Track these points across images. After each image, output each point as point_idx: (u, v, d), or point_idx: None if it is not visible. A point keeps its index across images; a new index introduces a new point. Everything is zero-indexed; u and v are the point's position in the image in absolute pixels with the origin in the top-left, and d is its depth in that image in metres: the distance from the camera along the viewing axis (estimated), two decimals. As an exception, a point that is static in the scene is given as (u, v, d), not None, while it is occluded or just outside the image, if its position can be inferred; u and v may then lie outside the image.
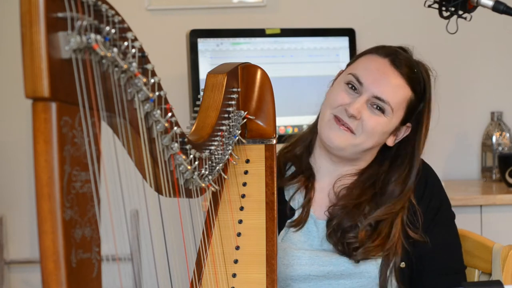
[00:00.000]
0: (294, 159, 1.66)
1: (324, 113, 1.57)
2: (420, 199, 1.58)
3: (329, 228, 1.56)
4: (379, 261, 1.54)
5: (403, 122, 1.58)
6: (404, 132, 1.60)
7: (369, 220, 1.54)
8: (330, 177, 1.63)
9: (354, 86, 1.55)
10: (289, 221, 1.60)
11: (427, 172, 1.62)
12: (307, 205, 1.60)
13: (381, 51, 1.58)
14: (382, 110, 1.53)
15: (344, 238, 1.54)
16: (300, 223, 1.59)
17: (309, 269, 1.54)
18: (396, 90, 1.54)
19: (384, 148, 1.62)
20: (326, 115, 1.56)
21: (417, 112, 1.59)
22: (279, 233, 1.58)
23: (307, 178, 1.62)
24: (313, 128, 1.65)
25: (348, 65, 1.63)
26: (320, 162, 1.63)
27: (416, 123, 1.60)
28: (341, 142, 1.54)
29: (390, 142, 1.60)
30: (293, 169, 1.66)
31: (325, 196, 1.62)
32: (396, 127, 1.57)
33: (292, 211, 1.61)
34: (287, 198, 1.63)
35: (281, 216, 1.58)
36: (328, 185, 1.62)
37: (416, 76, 1.56)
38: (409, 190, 1.58)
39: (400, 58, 1.56)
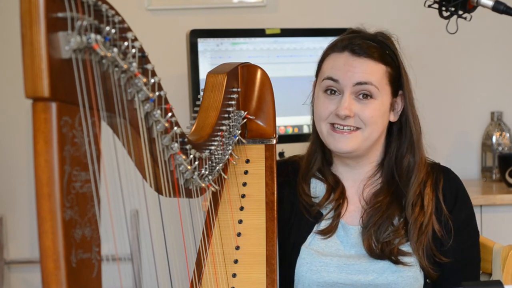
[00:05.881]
0: (318, 176, 1.64)
1: (320, 127, 1.56)
2: (451, 211, 1.57)
3: (365, 234, 1.54)
4: (408, 272, 1.51)
5: (394, 95, 1.57)
6: (401, 102, 1.59)
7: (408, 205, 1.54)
8: (355, 183, 1.62)
9: (332, 89, 1.54)
10: (317, 229, 1.58)
11: (456, 183, 1.61)
12: (337, 217, 1.58)
13: (336, 47, 1.56)
14: (370, 95, 1.52)
15: (383, 239, 1.52)
16: (329, 233, 1.57)
17: (337, 276, 1.52)
18: (371, 71, 1.52)
19: (388, 131, 1.61)
20: (323, 128, 1.55)
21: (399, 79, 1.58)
22: (306, 237, 1.57)
23: (340, 193, 1.60)
24: (316, 141, 1.63)
25: (316, 75, 1.62)
26: (339, 171, 1.63)
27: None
28: (352, 145, 1.53)
29: (393, 118, 1.59)
30: (318, 184, 1.64)
31: (356, 203, 1.60)
32: (390, 103, 1.56)
33: (319, 214, 1.59)
34: (313, 198, 1.61)
35: (309, 217, 1.58)
36: (356, 191, 1.61)
37: (381, 50, 1.55)
38: (422, 154, 1.58)
39: (356, 44, 1.53)
